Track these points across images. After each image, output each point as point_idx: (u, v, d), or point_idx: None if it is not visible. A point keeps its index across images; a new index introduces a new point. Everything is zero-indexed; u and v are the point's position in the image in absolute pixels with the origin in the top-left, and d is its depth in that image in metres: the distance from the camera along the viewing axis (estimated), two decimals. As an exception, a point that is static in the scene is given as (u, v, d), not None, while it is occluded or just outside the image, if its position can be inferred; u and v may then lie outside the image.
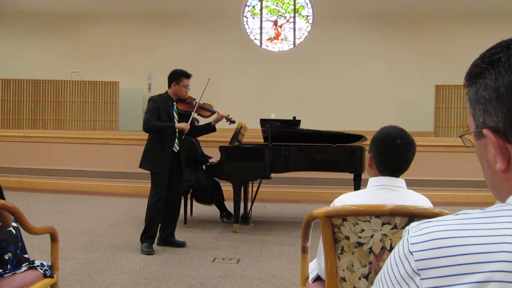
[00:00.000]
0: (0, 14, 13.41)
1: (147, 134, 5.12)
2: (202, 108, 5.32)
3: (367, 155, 2.19)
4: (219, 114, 5.28)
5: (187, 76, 5.08)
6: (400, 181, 2.07)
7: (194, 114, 5.28)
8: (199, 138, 6.80)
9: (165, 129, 4.98)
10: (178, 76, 5.06)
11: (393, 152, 2.05)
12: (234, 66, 13.03)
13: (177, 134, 5.04)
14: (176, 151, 5.07)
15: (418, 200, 2.05)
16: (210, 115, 5.45)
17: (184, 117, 5.21)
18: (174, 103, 5.11)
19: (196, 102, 5.24)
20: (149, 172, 5.10)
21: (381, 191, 2.04)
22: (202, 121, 6.03)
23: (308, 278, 2.37)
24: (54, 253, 2.80)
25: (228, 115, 5.53)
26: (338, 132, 6.45)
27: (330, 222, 1.92)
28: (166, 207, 5.08)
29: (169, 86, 5.11)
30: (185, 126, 5.03)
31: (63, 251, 4.69)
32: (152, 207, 4.99)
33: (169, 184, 5.06)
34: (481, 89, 0.79)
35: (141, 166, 5.12)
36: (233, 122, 5.62)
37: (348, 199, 2.05)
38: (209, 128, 5.39)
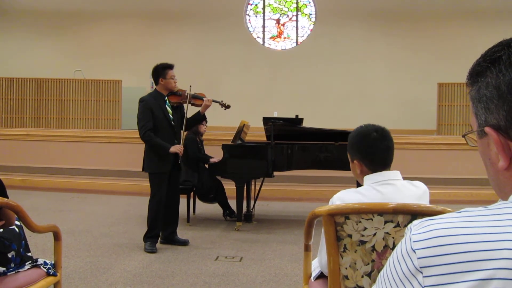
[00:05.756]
0: (3, 13, 13.44)
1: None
2: (194, 98, 5.26)
3: (352, 165, 2.22)
4: (207, 100, 5.18)
5: (171, 67, 5.06)
6: (394, 174, 2.11)
7: (188, 106, 5.22)
8: (202, 137, 6.80)
9: (158, 149, 4.92)
10: (162, 70, 5.03)
11: (376, 144, 2.11)
12: (236, 65, 13.03)
13: (176, 157, 5.02)
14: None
15: (415, 191, 2.09)
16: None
17: (178, 109, 5.19)
18: (166, 98, 5.09)
19: (188, 93, 5.20)
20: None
21: (379, 187, 2.07)
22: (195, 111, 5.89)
23: (310, 276, 2.37)
24: (57, 252, 2.81)
25: (221, 101, 5.51)
26: (341, 130, 6.44)
27: (332, 220, 1.92)
28: (166, 205, 5.07)
29: (157, 83, 5.08)
30: (180, 149, 4.99)
31: (66, 250, 4.70)
32: (153, 208, 4.97)
33: (168, 182, 5.04)
34: (482, 87, 0.79)
35: (145, 170, 5.06)
36: (228, 107, 5.55)
37: (347, 196, 2.05)
38: (199, 117, 5.28)
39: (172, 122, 5.05)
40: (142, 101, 5.00)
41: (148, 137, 4.88)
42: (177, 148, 4.96)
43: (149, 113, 4.89)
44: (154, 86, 5.24)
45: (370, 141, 2.11)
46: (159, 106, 4.98)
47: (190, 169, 6.19)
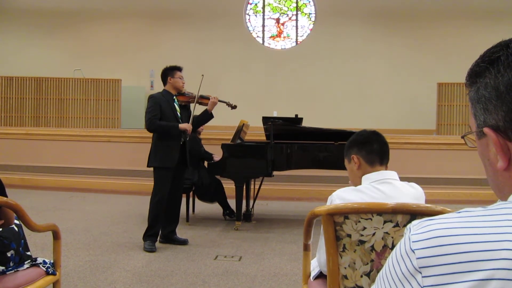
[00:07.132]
0: (3, 12, 13.43)
1: (151, 132, 5.12)
2: (202, 97, 5.32)
3: (350, 166, 2.30)
4: (213, 97, 5.26)
5: (179, 68, 5.19)
6: (391, 174, 2.16)
7: (195, 105, 5.26)
8: (201, 136, 6.81)
9: (168, 130, 4.98)
10: (171, 71, 5.16)
11: (371, 137, 2.27)
12: (236, 64, 13.03)
13: (181, 134, 5.05)
14: (181, 142, 5.08)
15: (413, 192, 2.13)
16: None
17: (186, 108, 5.24)
18: (174, 97, 5.16)
19: (196, 94, 5.27)
20: (152, 169, 5.08)
21: (379, 185, 2.09)
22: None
23: (310, 275, 2.37)
24: (57, 251, 2.81)
25: (228, 101, 5.56)
26: (340, 130, 6.45)
27: (332, 220, 1.92)
28: (168, 204, 5.07)
29: (165, 84, 5.17)
30: (188, 126, 5.04)
31: (66, 249, 4.71)
32: (155, 206, 4.97)
33: (172, 180, 5.05)
34: (481, 88, 0.79)
35: (149, 165, 5.06)
36: (234, 107, 5.62)
37: (348, 195, 2.06)
38: (207, 116, 5.30)
39: (180, 120, 5.09)
40: (151, 97, 5.09)
41: (153, 124, 4.93)
42: (186, 126, 5.02)
43: (158, 107, 4.97)
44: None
45: (365, 134, 2.29)
46: (168, 103, 5.05)
47: (190, 166, 6.18)
